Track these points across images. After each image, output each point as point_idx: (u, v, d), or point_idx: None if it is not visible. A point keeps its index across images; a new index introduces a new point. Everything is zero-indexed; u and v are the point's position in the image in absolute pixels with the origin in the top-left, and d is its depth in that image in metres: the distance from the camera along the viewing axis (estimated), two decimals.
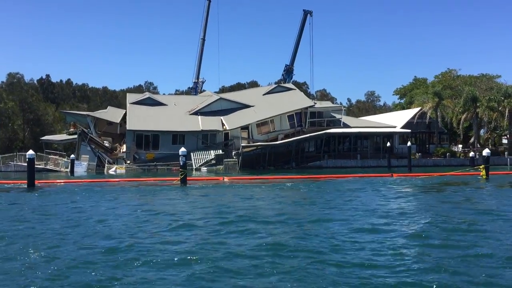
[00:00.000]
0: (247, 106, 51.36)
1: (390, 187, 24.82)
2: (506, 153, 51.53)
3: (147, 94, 53.98)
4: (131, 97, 51.92)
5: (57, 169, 45.60)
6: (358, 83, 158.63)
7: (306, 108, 51.30)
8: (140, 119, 47.62)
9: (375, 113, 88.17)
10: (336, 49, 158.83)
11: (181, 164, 25.92)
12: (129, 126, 46.35)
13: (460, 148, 56.82)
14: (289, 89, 55.30)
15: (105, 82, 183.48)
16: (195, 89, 77.55)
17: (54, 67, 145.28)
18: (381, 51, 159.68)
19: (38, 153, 49.00)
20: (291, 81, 77.27)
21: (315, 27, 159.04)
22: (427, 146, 55.43)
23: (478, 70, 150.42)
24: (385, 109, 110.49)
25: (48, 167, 46.08)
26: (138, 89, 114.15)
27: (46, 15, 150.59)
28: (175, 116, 49.36)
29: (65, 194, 21.05)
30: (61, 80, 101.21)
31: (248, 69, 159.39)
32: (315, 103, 53.33)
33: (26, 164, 46.32)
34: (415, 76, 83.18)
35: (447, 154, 50.21)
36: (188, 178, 26.44)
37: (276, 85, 56.28)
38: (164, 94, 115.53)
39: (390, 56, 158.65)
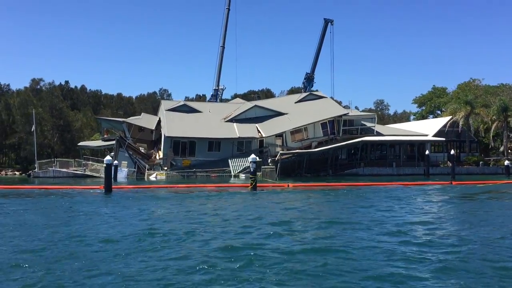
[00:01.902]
0: (280, 114, 51.69)
1: (460, 194, 25.21)
2: None
3: (181, 102, 54.25)
4: (166, 104, 52.14)
5: (97, 175, 45.62)
6: (365, 92, 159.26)
7: (340, 116, 51.64)
8: (177, 126, 47.85)
9: (388, 122, 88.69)
10: (342, 56, 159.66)
11: (251, 170, 26.20)
12: (168, 132, 46.53)
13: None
14: (321, 97, 55.70)
15: (118, 89, 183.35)
16: (215, 97, 77.62)
17: (65, 73, 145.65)
18: (389, 60, 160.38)
19: (76, 159, 49.40)
20: (311, 89, 77.75)
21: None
22: (457, 154, 55.70)
23: (495, 80, 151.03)
24: (398, 118, 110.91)
25: (87, 173, 46.12)
26: (152, 96, 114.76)
27: (57, 22, 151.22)
28: (211, 123, 49.64)
29: (159, 200, 21.34)
30: (75, 86, 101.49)
31: (262, 77, 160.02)
32: (349, 112, 53.68)
33: (65, 170, 46.87)
34: (434, 85, 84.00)
35: (480, 162, 50.60)
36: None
37: (308, 93, 56.66)
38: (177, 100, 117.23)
39: (398, 65, 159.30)
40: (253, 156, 26.24)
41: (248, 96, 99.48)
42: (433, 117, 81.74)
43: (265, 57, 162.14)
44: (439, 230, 12.37)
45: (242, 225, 13.17)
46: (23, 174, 56.62)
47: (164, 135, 47.42)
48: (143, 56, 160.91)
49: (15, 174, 56.60)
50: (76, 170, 47.14)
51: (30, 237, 11.45)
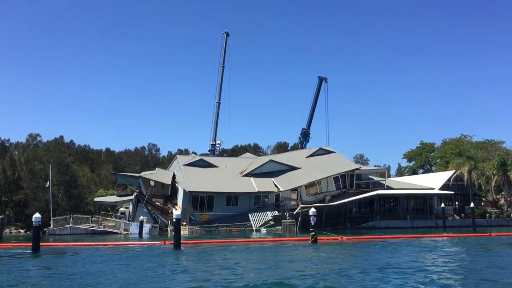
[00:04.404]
0: (294, 168, 52.82)
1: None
2: None
3: (197, 157, 54.83)
4: (182, 159, 52.55)
5: (117, 231, 44.82)
6: (346, 146, 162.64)
7: (352, 170, 53.20)
8: (196, 180, 48.14)
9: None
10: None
11: (312, 224, 26.76)
12: (188, 187, 46.68)
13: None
14: (330, 152, 57.39)
15: (103, 144, 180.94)
16: (213, 151, 78.58)
17: (54, 128, 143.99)
18: (372, 115, 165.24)
19: (94, 215, 48.58)
20: (307, 144, 79.68)
21: (300, 88, 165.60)
22: (461, 207, 57.69)
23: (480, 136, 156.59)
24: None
25: (106, 229, 45.25)
26: (140, 151, 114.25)
27: (44, 77, 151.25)
28: (228, 177, 50.19)
29: (240, 254, 21.57)
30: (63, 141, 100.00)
31: (248, 132, 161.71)
32: (360, 167, 55.36)
33: (81, 227, 45.82)
34: (422, 141, 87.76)
35: (486, 214, 52.70)
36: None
37: (319, 148, 58.19)
38: (164, 155, 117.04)
39: (380, 120, 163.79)
40: (313, 210, 26.88)
41: (228, 152, 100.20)
42: (423, 172, 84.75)
43: (252, 112, 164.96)
44: None
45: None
46: (28, 232, 54.74)
47: (184, 190, 47.49)
48: (127, 111, 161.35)
49: (19, 232, 54.66)
50: (93, 227, 46.23)
51: None
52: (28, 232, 55.05)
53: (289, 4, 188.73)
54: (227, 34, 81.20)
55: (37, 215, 23.67)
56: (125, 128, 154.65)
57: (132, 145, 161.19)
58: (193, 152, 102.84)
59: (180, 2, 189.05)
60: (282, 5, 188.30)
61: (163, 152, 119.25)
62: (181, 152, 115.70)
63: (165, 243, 26.60)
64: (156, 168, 56.04)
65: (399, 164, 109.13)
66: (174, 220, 24.72)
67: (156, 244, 27.05)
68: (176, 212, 25.11)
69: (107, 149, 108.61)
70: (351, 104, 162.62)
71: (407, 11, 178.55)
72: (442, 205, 46.06)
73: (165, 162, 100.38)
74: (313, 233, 26.43)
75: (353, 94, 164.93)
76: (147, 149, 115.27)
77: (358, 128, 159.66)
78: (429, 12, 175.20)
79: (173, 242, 25.09)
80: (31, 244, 23.76)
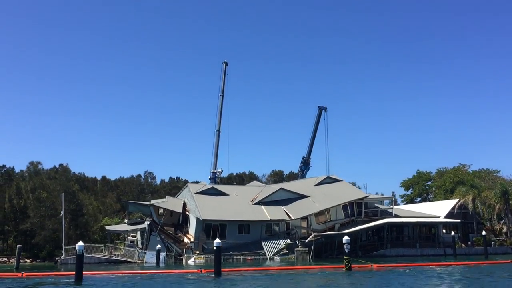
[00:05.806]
0: (304, 196, 53.43)
1: None
2: None
3: (208, 185, 55.12)
4: (193, 187, 52.81)
5: (131, 260, 44.56)
6: (340, 173, 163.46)
7: (361, 198, 54.06)
8: (209, 209, 48.36)
9: None
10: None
11: (346, 251, 27.28)
12: (202, 215, 46.85)
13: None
14: (337, 180, 58.27)
15: (99, 172, 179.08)
16: (214, 179, 78.71)
17: (51, 154, 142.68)
18: (364, 144, 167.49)
19: (107, 244, 48.29)
20: (307, 172, 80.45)
21: (292, 117, 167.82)
22: (465, 235, 58.69)
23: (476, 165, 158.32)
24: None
25: (121, 258, 44.96)
26: (137, 179, 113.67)
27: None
28: (239, 205, 50.51)
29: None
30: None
31: (243, 159, 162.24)
32: (369, 195, 56.24)
33: (95, 256, 45.44)
34: (418, 170, 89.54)
35: (492, 243, 53.79)
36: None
37: (326, 176, 58.99)
38: (157, 183, 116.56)
39: (371, 148, 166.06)
40: (346, 237, 27.42)
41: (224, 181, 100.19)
42: (420, 200, 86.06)
43: (246, 140, 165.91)
44: None
45: None
46: (34, 262, 53.96)
47: (197, 218, 47.61)
48: (122, 139, 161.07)
49: (25, 261, 53.66)
50: (105, 255, 45.90)
51: None
52: (35, 262, 54.27)
53: (289, 32, 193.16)
54: (226, 64, 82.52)
55: (80, 243, 23.91)
56: (119, 156, 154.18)
57: (126, 172, 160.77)
58: (185, 180, 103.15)
59: (179, 30, 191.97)
60: (282, 34, 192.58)
61: (157, 180, 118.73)
62: (173, 180, 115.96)
63: (201, 271, 26.87)
64: (167, 196, 56.18)
65: (393, 192, 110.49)
66: (215, 248, 24.93)
67: (193, 272, 27.26)
68: (217, 240, 25.26)
69: (103, 177, 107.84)
70: (342, 132, 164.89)
71: (406, 39, 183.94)
72: (452, 233, 46.99)
73: (160, 190, 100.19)
74: (347, 261, 26.92)
75: (345, 122, 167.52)
76: (143, 177, 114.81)
77: (350, 156, 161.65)
78: (426, 43, 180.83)
79: (212, 270, 25.36)
80: (73, 273, 23.87)
